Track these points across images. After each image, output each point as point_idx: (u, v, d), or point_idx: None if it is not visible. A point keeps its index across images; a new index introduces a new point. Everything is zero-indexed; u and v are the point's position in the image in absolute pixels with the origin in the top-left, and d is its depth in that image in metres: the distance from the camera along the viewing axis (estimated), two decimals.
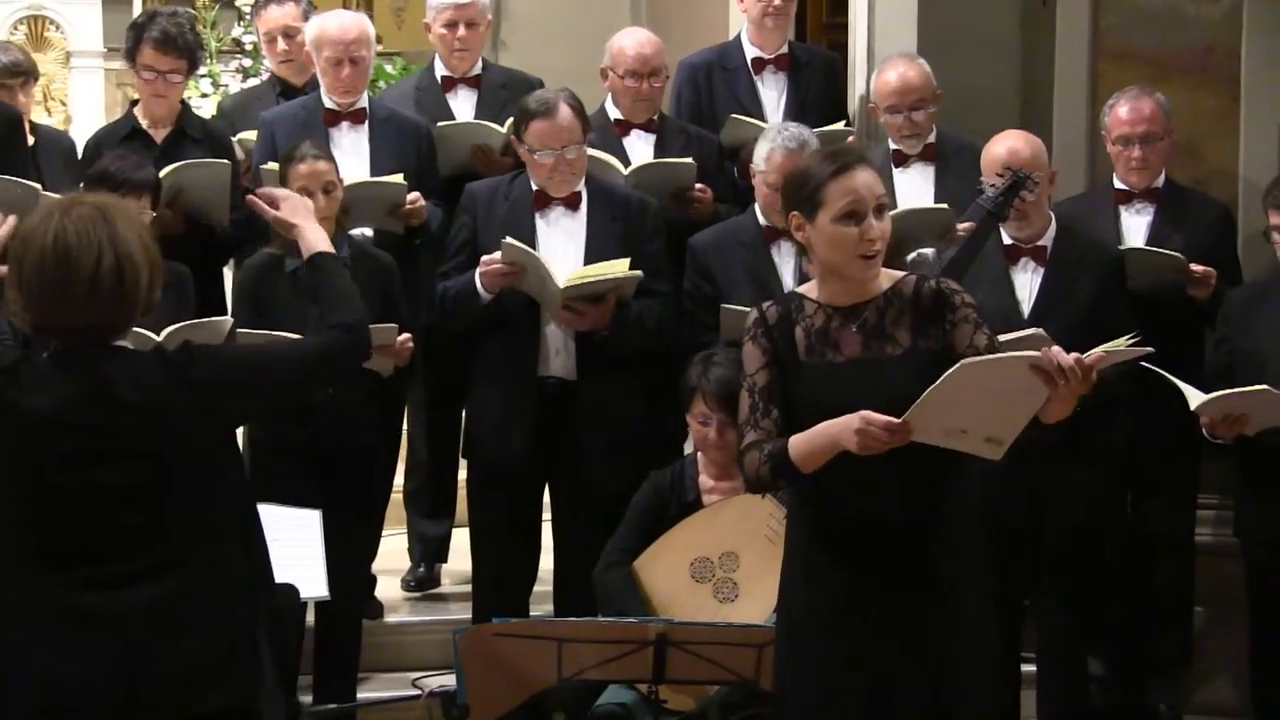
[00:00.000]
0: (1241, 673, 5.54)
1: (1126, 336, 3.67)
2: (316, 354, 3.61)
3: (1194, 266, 5.61)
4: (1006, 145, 5.43)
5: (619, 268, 5.35)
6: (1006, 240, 5.44)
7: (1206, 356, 5.52)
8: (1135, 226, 5.80)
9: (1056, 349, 3.58)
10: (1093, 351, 3.59)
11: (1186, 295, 5.63)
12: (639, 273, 5.33)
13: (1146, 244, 5.71)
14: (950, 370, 3.55)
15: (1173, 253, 5.61)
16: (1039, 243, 5.43)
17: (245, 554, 3.50)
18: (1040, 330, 4.97)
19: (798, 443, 3.75)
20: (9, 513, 3.37)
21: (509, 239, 5.33)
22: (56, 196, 4.28)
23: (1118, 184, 5.83)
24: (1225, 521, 5.68)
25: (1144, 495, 5.82)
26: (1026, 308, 5.35)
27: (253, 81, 8.15)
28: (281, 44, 6.54)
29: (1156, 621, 5.87)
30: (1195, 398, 5.02)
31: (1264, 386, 5.00)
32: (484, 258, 5.38)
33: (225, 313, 5.66)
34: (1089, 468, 5.29)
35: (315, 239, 3.80)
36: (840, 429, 3.66)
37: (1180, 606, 5.89)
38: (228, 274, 6.31)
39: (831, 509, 3.82)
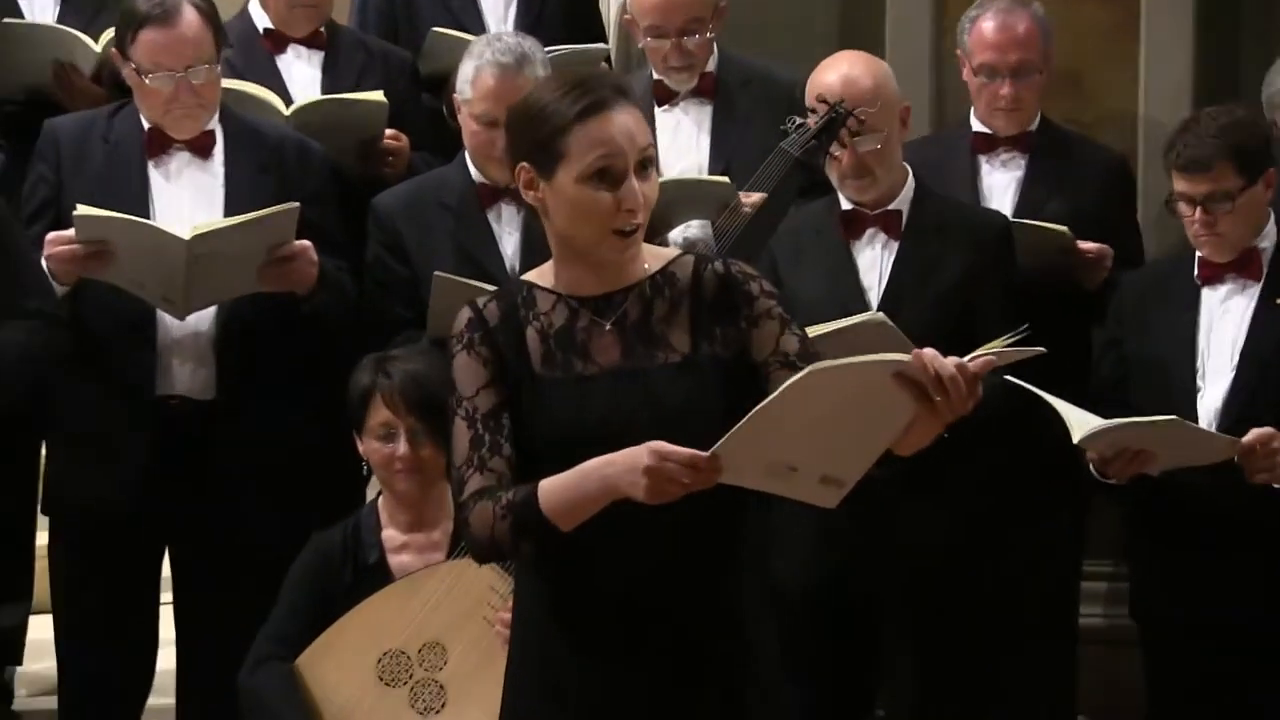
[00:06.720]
0: None
1: (1009, 335, 3.26)
2: None
3: (1083, 244, 5.02)
4: (839, 72, 4.82)
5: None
6: (845, 205, 4.82)
7: (1093, 365, 4.96)
8: (999, 185, 5.22)
9: (930, 352, 3.15)
10: (978, 355, 3.18)
11: (1070, 282, 5.05)
12: (296, 204, 4.74)
13: (1014, 209, 5.09)
14: (791, 380, 3.10)
15: (1054, 225, 5.01)
16: (890, 207, 4.81)
17: None
18: (880, 315, 4.51)
19: (554, 489, 3.25)
20: None
21: (82, 208, 4.70)
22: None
23: (976, 126, 5.24)
24: (1119, 598, 5.11)
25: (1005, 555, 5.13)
26: (875, 296, 4.77)
27: None
28: None
29: None
30: (1080, 426, 4.44)
31: (1173, 417, 4.44)
32: (50, 236, 4.77)
33: None
34: (941, 507, 4.68)
35: None
36: (621, 469, 3.17)
37: (1059, 715, 5.31)
38: None
39: (582, 578, 3.33)
